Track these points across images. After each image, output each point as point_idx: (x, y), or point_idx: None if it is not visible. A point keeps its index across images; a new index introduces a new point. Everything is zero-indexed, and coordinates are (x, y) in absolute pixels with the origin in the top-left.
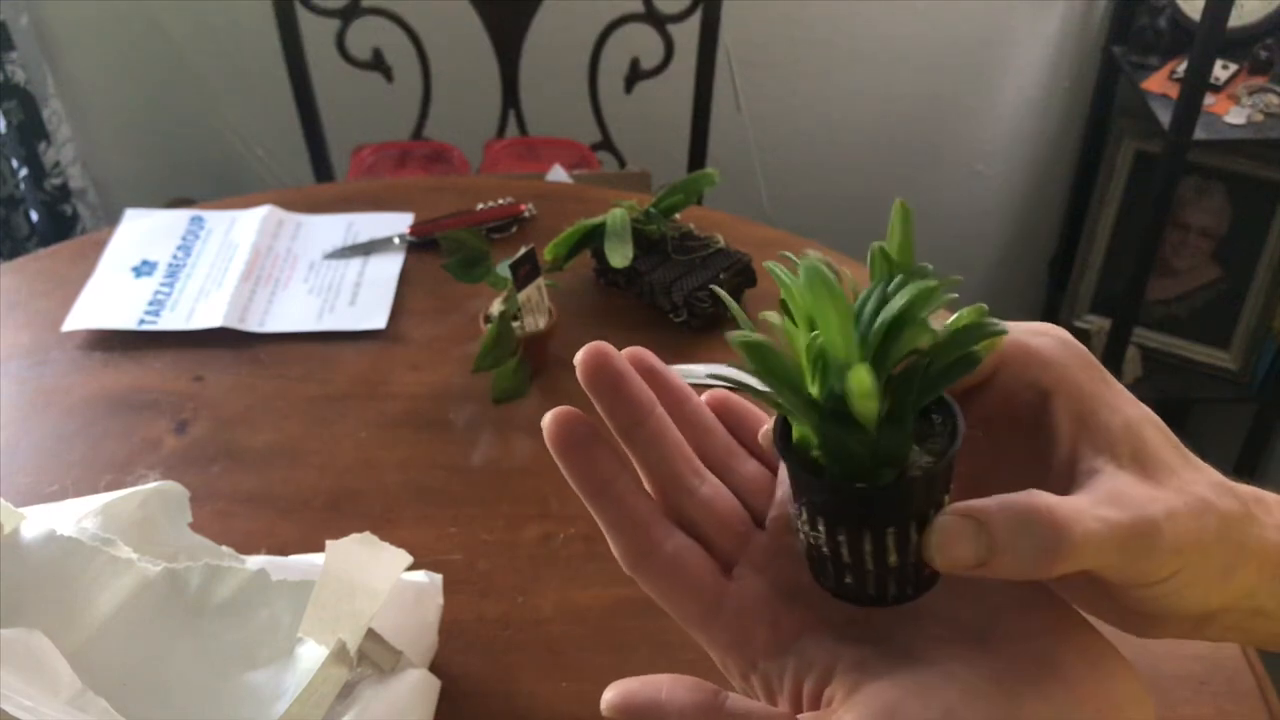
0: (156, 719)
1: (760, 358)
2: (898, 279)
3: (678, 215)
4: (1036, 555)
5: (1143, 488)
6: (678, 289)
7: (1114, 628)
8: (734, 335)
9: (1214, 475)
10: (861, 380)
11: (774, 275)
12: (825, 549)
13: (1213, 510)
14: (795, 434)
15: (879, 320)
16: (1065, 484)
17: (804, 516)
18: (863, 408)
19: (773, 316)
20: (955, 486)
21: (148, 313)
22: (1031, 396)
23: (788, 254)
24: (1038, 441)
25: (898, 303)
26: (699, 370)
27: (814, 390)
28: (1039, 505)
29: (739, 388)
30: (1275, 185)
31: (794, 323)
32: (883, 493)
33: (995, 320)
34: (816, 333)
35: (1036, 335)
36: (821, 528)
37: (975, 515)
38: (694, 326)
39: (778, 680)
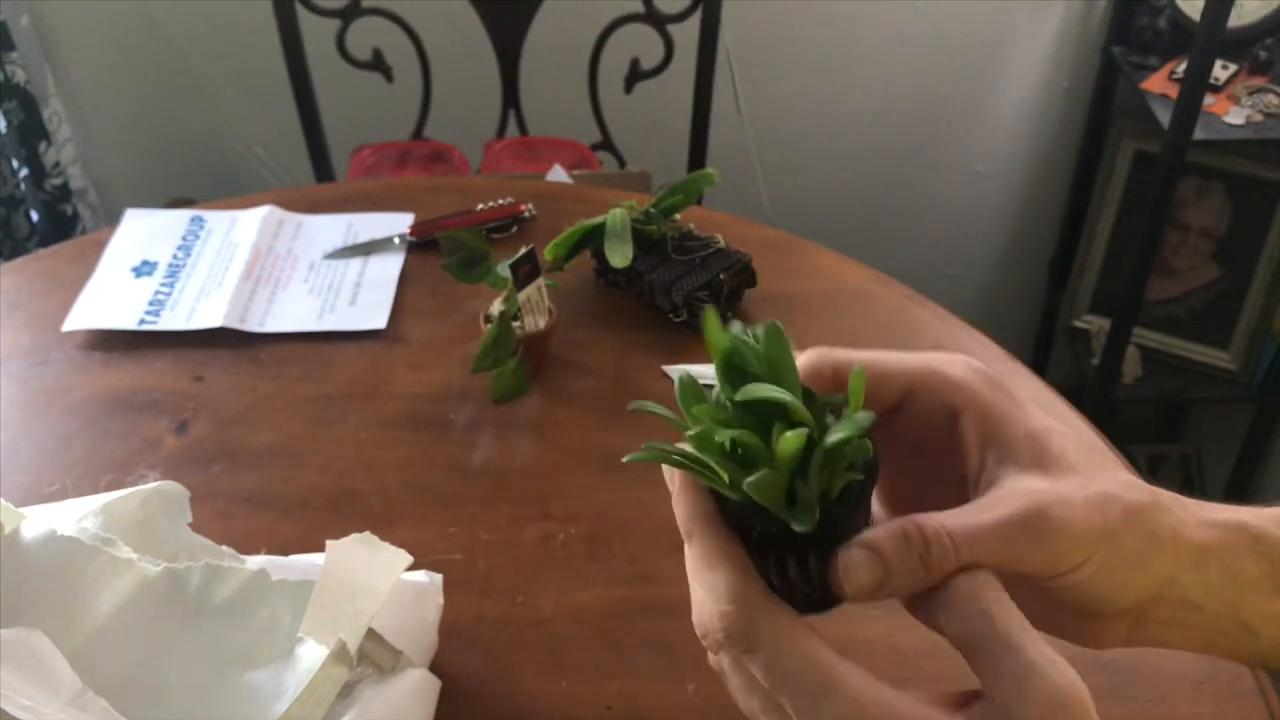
0: (157, 719)
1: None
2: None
3: (678, 215)
4: (920, 569)
5: (1038, 483)
6: (678, 289)
7: (1069, 643)
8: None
9: (1125, 475)
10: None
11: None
12: (776, 579)
13: (1116, 501)
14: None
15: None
16: (975, 495)
17: (773, 561)
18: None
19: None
20: (885, 503)
21: (148, 313)
22: (943, 417)
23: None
24: (952, 457)
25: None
26: (705, 371)
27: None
28: (913, 524)
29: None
30: (1275, 185)
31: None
32: (839, 513)
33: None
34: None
35: (947, 364)
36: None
37: (869, 546)
38: (694, 326)
39: None
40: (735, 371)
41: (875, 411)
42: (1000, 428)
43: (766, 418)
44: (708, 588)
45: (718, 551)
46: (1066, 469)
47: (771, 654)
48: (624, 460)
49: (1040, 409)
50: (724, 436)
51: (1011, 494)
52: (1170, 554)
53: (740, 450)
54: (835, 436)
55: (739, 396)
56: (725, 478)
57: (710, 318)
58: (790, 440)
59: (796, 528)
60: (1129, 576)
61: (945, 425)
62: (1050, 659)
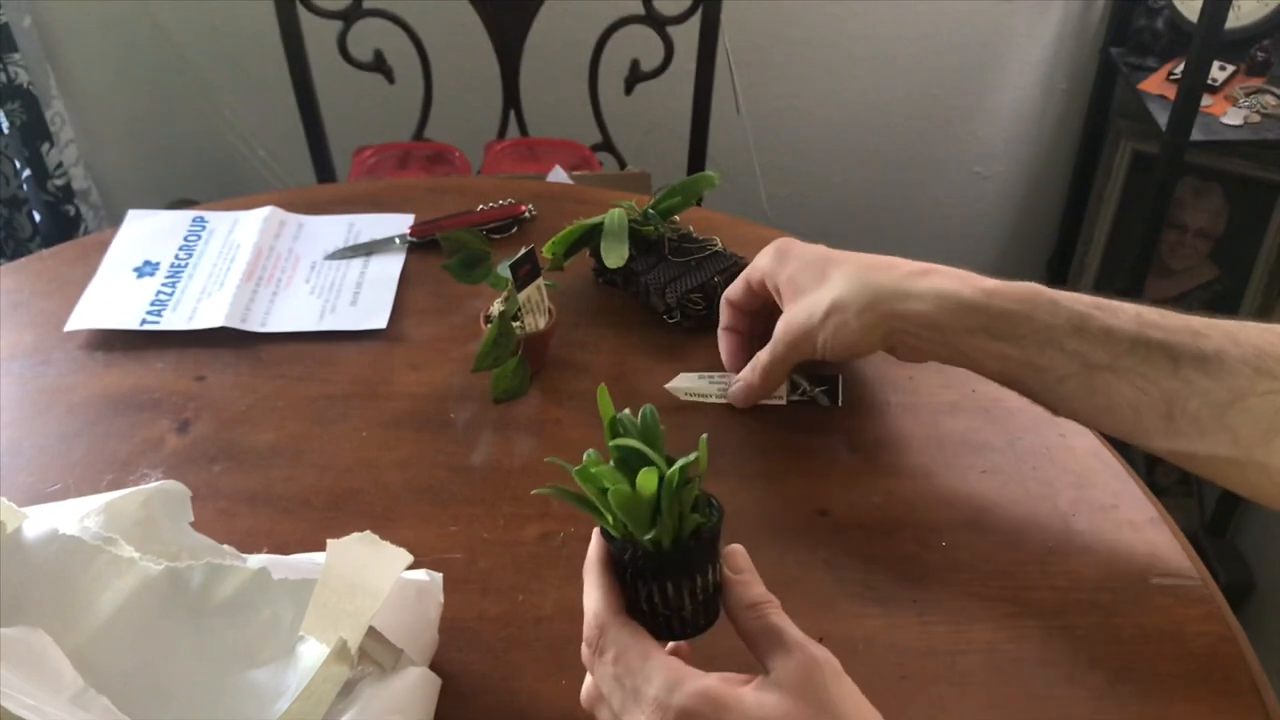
0: (158, 717)
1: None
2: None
3: (677, 217)
4: (762, 389)
5: (792, 310)
6: (672, 290)
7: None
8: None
9: (845, 276)
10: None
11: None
12: (646, 605)
13: (819, 302)
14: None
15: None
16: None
17: (673, 589)
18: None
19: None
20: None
21: (150, 313)
22: (765, 287)
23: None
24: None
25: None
26: (704, 386)
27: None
28: (756, 367)
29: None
30: (1272, 186)
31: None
32: (714, 537)
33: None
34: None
35: (757, 260)
36: (651, 586)
37: (746, 389)
38: (687, 328)
39: None
40: (616, 434)
41: (747, 298)
42: (778, 282)
43: (638, 468)
44: (586, 613)
45: (593, 585)
46: (804, 292)
47: (616, 650)
48: (533, 493)
49: (804, 256)
50: (601, 471)
51: (779, 326)
52: (867, 312)
53: (615, 491)
54: (673, 467)
55: (612, 443)
56: (607, 516)
57: (602, 393)
58: (645, 475)
59: (655, 544)
60: (855, 338)
61: (768, 292)
62: (808, 640)
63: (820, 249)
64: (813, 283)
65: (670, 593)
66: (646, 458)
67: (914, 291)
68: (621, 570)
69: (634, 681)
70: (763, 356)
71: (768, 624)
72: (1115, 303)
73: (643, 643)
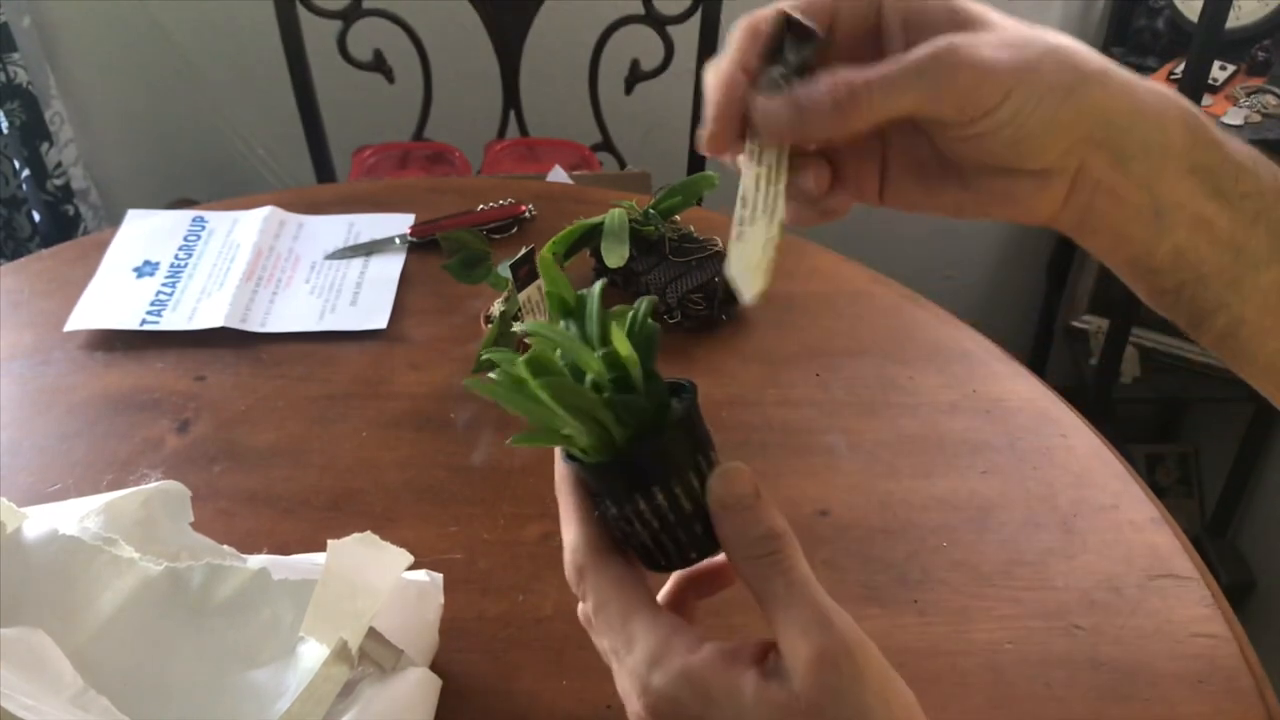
0: (158, 717)
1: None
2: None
3: (677, 217)
4: (836, 110)
5: (951, 35)
6: (672, 290)
7: (1016, 220)
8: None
9: (1052, 32)
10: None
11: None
12: (639, 525)
13: (1036, 41)
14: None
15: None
16: None
17: (617, 512)
18: (633, 372)
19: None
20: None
21: (150, 313)
22: (870, 17)
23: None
24: (887, 49)
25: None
26: (753, 233)
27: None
28: (834, 76)
29: None
30: None
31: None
32: (664, 440)
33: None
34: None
35: None
36: (633, 504)
37: (792, 99)
38: (687, 328)
39: None
40: (560, 312)
41: (819, 25)
42: (915, 7)
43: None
44: (564, 543)
45: (566, 509)
46: (984, 25)
47: (596, 600)
48: (464, 383)
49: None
50: (501, 355)
51: (925, 45)
52: (1100, 87)
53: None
54: (560, 352)
55: (520, 328)
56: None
57: (545, 262)
58: (532, 355)
59: (583, 451)
60: (1056, 110)
61: (872, 22)
62: (823, 616)
63: None
64: (1017, 23)
65: (614, 514)
66: (554, 345)
67: (1152, 91)
68: (588, 491)
69: (613, 642)
70: (869, 72)
71: (771, 589)
72: None
73: (625, 594)
